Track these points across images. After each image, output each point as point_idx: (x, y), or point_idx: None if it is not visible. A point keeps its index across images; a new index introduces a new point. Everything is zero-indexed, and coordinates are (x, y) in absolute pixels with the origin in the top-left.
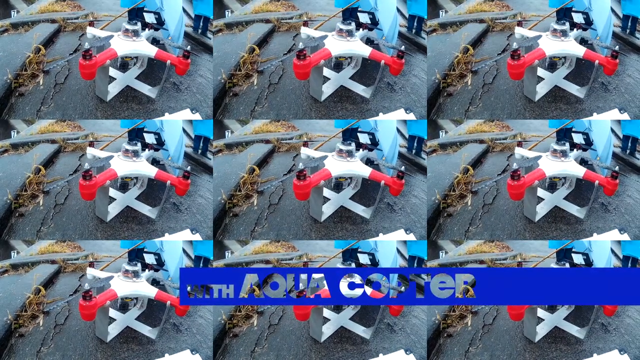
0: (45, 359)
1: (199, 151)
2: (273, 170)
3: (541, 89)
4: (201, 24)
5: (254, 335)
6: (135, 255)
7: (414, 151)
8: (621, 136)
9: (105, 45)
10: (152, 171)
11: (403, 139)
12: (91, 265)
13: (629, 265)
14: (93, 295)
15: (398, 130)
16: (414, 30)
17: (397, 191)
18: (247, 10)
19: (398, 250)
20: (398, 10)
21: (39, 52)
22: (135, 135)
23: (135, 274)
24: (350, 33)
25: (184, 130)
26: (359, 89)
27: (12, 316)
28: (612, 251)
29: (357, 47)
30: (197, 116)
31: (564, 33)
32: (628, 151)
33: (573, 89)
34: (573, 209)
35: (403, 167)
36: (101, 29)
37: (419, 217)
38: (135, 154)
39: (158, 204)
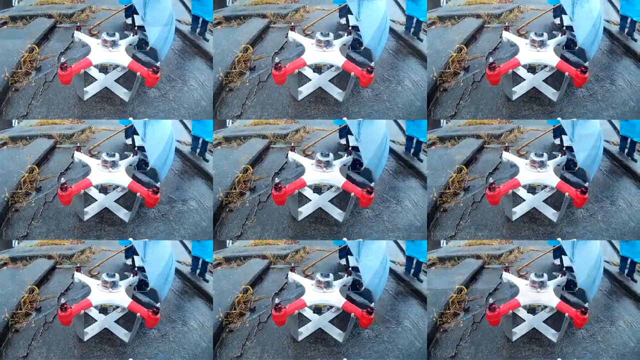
0: (34, 352)
1: (197, 151)
2: (267, 166)
3: (520, 90)
4: (199, 24)
5: (245, 331)
6: (133, 253)
7: (412, 151)
8: (618, 136)
9: (85, 53)
10: (126, 182)
11: (404, 136)
12: (78, 269)
13: (627, 266)
14: (68, 307)
15: (401, 129)
16: (411, 31)
17: (365, 204)
18: (247, 2)
19: (399, 248)
20: (399, 6)
21: (32, 52)
22: (133, 132)
23: (113, 285)
24: (328, 44)
25: (186, 128)
26: (335, 91)
27: (9, 314)
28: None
29: (331, 57)
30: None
31: (541, 44)
32: (626, 151)
33: (549, 92)
34: (549, 212)
35: (373, 183)
36: (95, 27)
37: (393, 225)
38: (113, 164)
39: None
